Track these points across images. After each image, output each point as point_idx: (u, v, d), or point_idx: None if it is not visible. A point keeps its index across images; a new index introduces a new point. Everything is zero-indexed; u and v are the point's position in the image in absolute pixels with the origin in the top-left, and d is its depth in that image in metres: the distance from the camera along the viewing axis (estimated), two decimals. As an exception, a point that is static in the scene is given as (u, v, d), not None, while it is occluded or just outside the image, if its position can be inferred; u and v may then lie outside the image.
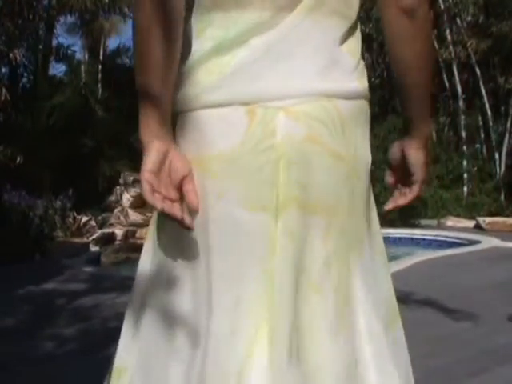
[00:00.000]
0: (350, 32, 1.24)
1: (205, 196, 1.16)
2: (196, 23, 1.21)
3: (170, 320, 1.22)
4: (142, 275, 1.28)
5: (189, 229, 1.14)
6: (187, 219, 1.14)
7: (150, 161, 1.15)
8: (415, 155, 1.34)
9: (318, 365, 1.15)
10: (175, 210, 1.14)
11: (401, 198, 1.40)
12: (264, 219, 1.14)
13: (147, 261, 1.28)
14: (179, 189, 1.17)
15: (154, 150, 1.15)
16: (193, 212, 1.16)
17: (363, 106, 1.26)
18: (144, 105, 1.19)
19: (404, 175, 1.38)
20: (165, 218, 1.16)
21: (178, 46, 1.16)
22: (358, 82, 1.23)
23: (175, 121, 1.23)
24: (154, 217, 1.28)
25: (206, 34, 1.19)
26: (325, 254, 1.18)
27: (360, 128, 1.24)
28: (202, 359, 1.14)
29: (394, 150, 1.38)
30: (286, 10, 1.16)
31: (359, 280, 1.23)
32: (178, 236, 1.19)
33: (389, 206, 1.42)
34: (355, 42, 1.26)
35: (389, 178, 1.43)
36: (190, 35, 1.21)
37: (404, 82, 1.32)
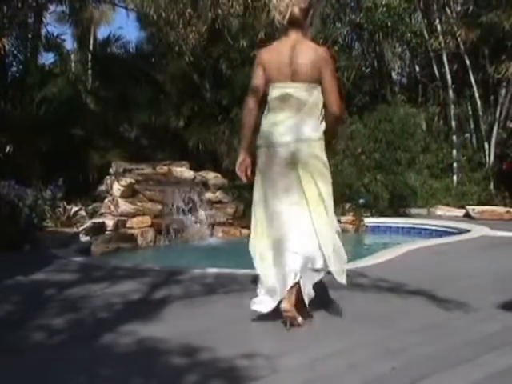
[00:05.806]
0: (317, 119, 4.16)
1: (265, 167, 4.19)
2: (266, 113, 4.21)
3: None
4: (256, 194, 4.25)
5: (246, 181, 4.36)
6: (244, 179, 4.31)
7: (242, 158, 4.28)
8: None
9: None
10: (243, 176, 4.31)
11: None
12: (294, 176, 4.12)
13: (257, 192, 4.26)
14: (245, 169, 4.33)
15: (243, 154, 4.29)
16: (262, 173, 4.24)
17: (319, 142, 4.17)
18: (242, 140, 4.30)
19: None
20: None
21: (254, 123, 4.26)
22: (315, 134, 4.13)
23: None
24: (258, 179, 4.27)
25: (269, 117, 4.18)
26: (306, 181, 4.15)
27: (313, 147, 4.16)
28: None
29: None
30: (297, 112, 4.09)
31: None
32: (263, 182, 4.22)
33: None
34: (318, 120, 4.16)
35: None
36: (264, 116, 4.22)
37: (327, 129, 4.17)
